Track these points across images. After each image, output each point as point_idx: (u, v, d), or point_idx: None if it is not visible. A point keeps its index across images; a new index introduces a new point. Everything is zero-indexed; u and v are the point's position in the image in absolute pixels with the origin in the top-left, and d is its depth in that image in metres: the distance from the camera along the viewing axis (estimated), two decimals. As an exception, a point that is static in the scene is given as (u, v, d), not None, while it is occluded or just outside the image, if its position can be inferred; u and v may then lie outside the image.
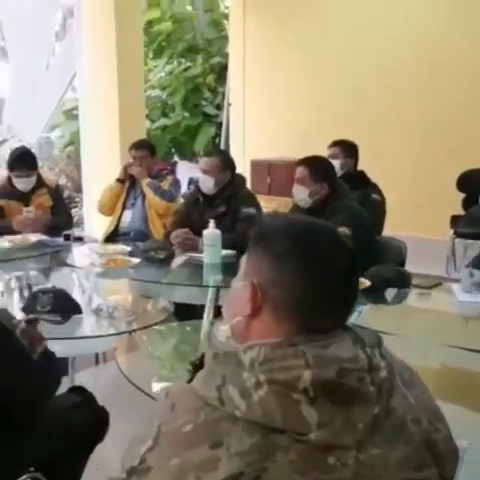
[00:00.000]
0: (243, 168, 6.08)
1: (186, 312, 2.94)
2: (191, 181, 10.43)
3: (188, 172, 10.11)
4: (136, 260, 3.13)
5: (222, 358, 0.88)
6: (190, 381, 0.93)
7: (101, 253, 3.30)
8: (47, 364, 1.53)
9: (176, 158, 9.59)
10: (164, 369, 2.15)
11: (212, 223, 3.20)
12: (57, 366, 1.61)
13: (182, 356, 2.22)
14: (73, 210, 7.80)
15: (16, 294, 2.78)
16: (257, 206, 3.71)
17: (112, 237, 4.26)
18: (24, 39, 10.87)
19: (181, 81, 8.49)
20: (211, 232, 3.18)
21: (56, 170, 8.38)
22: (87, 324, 2.24)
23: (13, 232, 3.83)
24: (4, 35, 12.33)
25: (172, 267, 3.28)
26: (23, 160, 4.00)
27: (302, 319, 0.91)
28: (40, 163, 4.66)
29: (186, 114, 8.62)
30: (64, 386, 1.64)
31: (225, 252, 3.29)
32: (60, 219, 4.09)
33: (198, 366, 0.94)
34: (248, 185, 4.37)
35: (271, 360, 0.85)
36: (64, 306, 2.22)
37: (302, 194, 3.25)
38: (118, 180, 4.37)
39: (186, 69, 8.64)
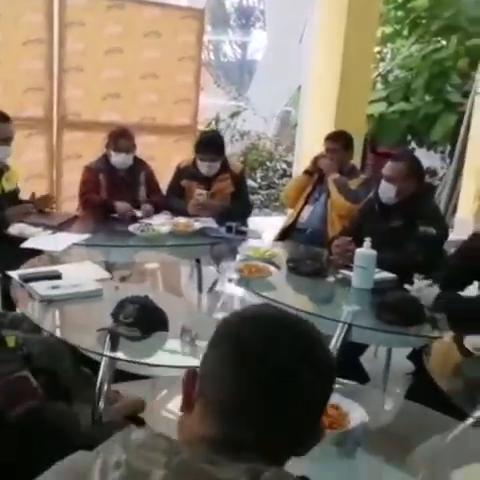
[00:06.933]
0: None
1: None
2: (427, 170, 9.74)
3: (423, 161, 9.41)
4: (275, 270, 2.84)
5: None
6: None
7: (249, 255, 3.07)
8: (26, 426, 1.33)
9: (414, 145, 8.92)
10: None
11: (367, 242, 2.76)
12: (50, 431, 1.39)
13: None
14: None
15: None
16: (440, 226, 3.14)
17: (288, 232, 4.03)
18: (282, 8, 10.91)
19: (428, 63, 7.74)
20: (364, 252, 2.75)
21: (283, 146, 8.34)
22: (164, 346, 2.04)
23: (188, 214, 3.81)
24: (265, 3, 12.63)
25: (322, 282, 2.92)
26: (209, 145, 3.93)
27: None
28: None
29: (428, 99, 7.87)
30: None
31: (384, 275, 2.85)
32: (237, 207, 3.95)
33: None
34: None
35: None
36: (148, 320, 2.05)
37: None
38: (306, 172, 4.10)
39: (437, 50, 7.85)
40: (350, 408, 1.69)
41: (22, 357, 1.65)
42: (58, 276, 2.48)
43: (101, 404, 2.01)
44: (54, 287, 2.34)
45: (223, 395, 0.82)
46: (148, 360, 2.02)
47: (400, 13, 8.63)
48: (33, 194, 3.61)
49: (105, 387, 2.03)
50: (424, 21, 8.39)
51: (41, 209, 3.59)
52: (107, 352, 1.97)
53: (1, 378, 1.28)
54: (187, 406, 0.87)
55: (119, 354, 2.01)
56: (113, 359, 1.98)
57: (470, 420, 1.78)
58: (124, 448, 0.82)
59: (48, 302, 2.29)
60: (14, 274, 2.49)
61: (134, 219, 3.66)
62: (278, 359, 0.81)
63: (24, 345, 1.75)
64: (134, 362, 2.01)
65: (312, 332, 0.87)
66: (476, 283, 2.76)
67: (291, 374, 0.81)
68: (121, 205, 3.73)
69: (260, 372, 0.81)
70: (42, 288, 2.32)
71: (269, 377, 0.80)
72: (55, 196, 4.28)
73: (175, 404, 2.56)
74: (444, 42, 8.13)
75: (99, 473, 0.79)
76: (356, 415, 1.67)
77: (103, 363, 2.04)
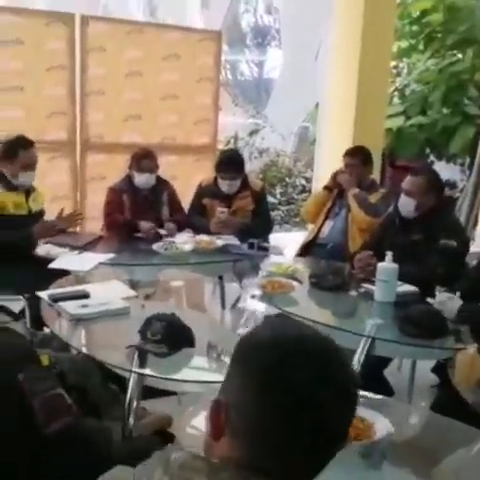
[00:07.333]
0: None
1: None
2: (447, 183, 9.72)
3: (442, 173, 9.40)
4: (298, 286, 2.88)
5: None
6: None
7: (272, 271, 3.11)
8: (63, 443, 1.39)
9: (433, 158, 8.92)
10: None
11: (389, 255, 2.79)
12: (83, 446, 1.45)
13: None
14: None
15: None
16: (461, 238, 3.16)
17: (309, 247, 4.06)
18: (297, 27, 11.05)
19: (444, 76, 7.76)
20: (386, 266, 2.78)
21: (302, 162, 8.39)
22: (191, 362, 2.09)
23: (210, 232, 3.87)
24: (281, 22, 12.78)
25: (344, 297, 2.95)
26: (230, 163, 4.00)
27: None
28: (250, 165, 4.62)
29: (446, 111, 7.87)
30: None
31: (406, 288, 2.87)
32: (258, 224, 4.00)
33: None
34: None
35: None
36: (175, 337, 2.10)
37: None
38: (325, 187, 4.14)
39: (453, 63, 7.86)
40: (375, 419, 1.71)
41: (56, 375, 1.70)
42: (86, 295, 2.54)
43: (131, 420, 2.05)
44: (83, 306, 2.41)
45: (246, 423, 0.84)
46: (176, 376, 2.06)
47: (415, 28, 8.67)
48: (62, 210, 3.69)
49: (134, 403, 2.07)
50: (439, 35, 8.42)
51: (65, 228, 3.65)
52: (136, 368, 2.02)
53: (38, 396, 1.34)
54: (215, 435, 0.87)
55: (147, 370, 2.06)
56: (142, 375, 2.02)
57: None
58: (165, 470, 0.83)
59: (77, 321, 2.36)
60: (43, 294, 2.56)
61: (158, 238, 3.73)
62: (297, 380, 0.82)
63: (56, 363, 1.81)
64: (163, 378, 2.05)
65: (331, 347, 0.88)
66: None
67: (310, 395, 0.82)
68: (145, 224, 3.80)
69: (281, 398, 0.82)
70: (72, 307, 2.39)
71: (290, 402, 0.82)
72: (80, 211, 4.34)
73: (200, 420, 2.60)
74: (460, 55, 8.15)
75: None
76: (382, 426, 1.69)
77: (132, 379, 2.08)
